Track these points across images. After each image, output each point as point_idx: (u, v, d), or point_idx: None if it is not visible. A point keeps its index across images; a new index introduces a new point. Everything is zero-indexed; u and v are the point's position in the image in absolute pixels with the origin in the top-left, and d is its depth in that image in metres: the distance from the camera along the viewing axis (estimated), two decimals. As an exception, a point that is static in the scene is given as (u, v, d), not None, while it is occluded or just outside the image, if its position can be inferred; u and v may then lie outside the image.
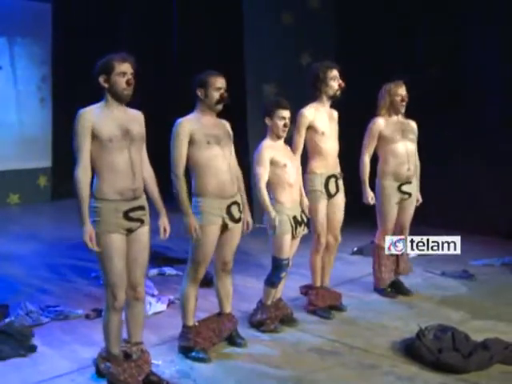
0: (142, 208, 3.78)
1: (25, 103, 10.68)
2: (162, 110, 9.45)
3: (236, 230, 4.37)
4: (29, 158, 10.65)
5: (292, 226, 4.66)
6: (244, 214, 4.41)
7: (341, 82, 5.07)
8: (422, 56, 7.96)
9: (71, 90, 9.79)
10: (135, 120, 3.84)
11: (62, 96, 10.40)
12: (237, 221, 4.32)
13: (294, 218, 4.68)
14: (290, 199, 4.69)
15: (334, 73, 5.05)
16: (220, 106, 4.26)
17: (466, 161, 7.66)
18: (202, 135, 4.18)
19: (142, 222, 3.78)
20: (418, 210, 7.86)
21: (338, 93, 5.08)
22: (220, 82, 4.23)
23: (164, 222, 3.97)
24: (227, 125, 4.41)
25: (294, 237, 4.73)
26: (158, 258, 6.83)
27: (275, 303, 4.90)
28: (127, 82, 3.72)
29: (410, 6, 7.94)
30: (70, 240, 7.31)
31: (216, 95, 4.20)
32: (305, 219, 4.80)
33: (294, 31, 8.48)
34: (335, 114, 5.22)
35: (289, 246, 4.70)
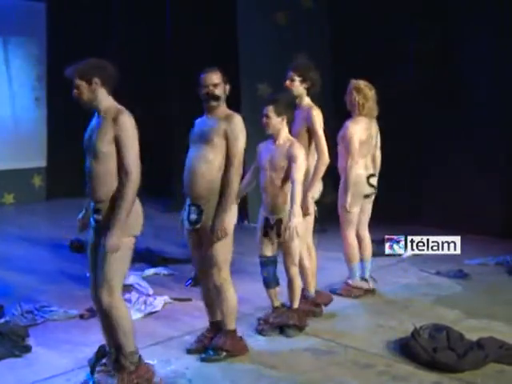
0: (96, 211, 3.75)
1: (20, 103, 10.65)
2: (154, 111, 9.48)
3: (202, 236, 4.26)
4: (23, 158, 10.62)
5: (261, 227, 4.70)
6: (214, 220, 4.14)
7: (287, 83, 5.07)
8: (416, 56, 7.97)
9: (66, 89, 9.74)
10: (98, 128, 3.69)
11: (57, 95, 10.35)
12: (192, 224, 4.25)
13: (266, 219, 4.68)
14: (264, 201, 4.70)
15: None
16: (210, 103, 4.22)
17: (460, 160, 7.68)
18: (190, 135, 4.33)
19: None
20: (413, 209, 7.95)
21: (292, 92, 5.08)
22: (207, 79, 4.22)
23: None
24: (219, 121, 4.17)
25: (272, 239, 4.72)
26: (154, 257, 6.85)
27: (276, 309, 4.85)
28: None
29: (403, 6, 7.94)
30: (65, 240, 7.32)
31: (203, 92, 4.22)
32: (285, 225, 4.55)
33: (288, 31, 8.48)
34: (308, 112, 5.00)
35: (263, 244, 4.71)
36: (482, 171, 7.52)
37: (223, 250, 4.22)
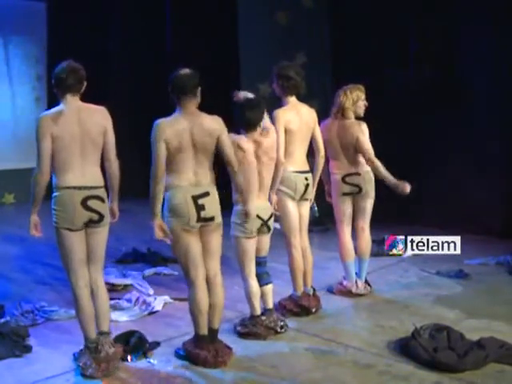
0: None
1: (20, 102, 10.66)
2: (155, 111, 9.44)
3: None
4: (24, 158, 10.57)
5: None
6: None
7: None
8: (416, 55, 7.97)
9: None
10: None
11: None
12: None
13: None
14: None
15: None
16: None
17: (460, 160, 7.68)
18: None
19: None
20: (413, 209, 7.94)
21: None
22: None
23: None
24: None
25: None
26: (154, 257, 6.85)
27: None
28: None
29: (403, 6, 7.94)
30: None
31: None
32: None
33: (288, 31, 8.49)
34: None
35: None
36: (481, 171, 7.52)
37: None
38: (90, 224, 4.06)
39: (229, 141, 4.24)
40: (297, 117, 5.05)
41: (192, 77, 4.15)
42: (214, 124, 4.17)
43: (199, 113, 4.18)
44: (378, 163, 5.35)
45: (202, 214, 4.11)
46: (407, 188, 5.30)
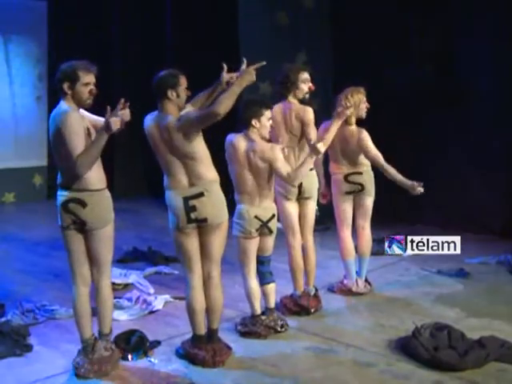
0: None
1: (21, 102, 10.65)
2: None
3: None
4: (24, 157, 10.63)
5: None
6: None
7: (311, 84, 5.12)
8: (417, 55, 7.97)
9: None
10: None
11: (58, 95, 10.35)
12: None
13: None
14: None
15: (306, 75, 5.11)
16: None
17: (461, 160, 7.68)
18: None
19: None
20: (413, 209, 7.95)
21: (307, 95, 5.14)
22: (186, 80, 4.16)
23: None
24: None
25: None
26: (155, 256, 6.85)
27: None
28: (90, 92, 3.95)
29: (403, 6, 7.94)
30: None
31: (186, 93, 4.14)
32: None
33: (289, 31, 8.48)
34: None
35: None
36: (482, 170, 7.52)
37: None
38: (80, 227, 3.98)
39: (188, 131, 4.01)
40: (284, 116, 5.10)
41: (156, 80, 4.13)
42: (168, 121, 4.07)
43: (164, 113, 4.11)
44: (389, 167, 5.35)
45: (193, 215, 4.09)
46: (420, 189, 5.31)
